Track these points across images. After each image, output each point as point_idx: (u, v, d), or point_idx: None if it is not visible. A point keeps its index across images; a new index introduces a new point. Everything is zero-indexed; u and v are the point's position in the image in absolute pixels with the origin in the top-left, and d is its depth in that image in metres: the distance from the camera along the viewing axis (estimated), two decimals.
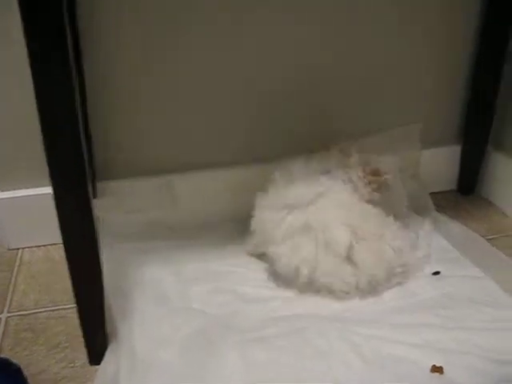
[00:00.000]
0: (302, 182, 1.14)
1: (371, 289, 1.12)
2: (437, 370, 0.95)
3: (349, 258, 1.10)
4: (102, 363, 0.96)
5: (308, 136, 1.34)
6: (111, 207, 1.31)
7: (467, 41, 1.41)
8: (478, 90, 1.45)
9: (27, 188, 1.31)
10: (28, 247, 1.36)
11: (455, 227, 1.38)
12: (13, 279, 1.24)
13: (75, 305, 0.93)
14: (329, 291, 1.11)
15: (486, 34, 1.38)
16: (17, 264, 1.30)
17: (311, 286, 1.11)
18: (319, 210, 1.11)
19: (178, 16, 1.20)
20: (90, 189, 0.86)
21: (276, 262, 1.12)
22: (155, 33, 1.21)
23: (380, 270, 1.12)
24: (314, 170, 1.17)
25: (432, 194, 1.48)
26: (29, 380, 0.93)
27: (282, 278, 1.14)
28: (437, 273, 1.20)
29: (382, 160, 1.21)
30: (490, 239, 1.36)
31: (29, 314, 1.13)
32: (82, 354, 1.01)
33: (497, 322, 1.06)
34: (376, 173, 1.17)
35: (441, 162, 1.53)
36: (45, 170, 0.80)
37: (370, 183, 1.16)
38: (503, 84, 1.42)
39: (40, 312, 1.14)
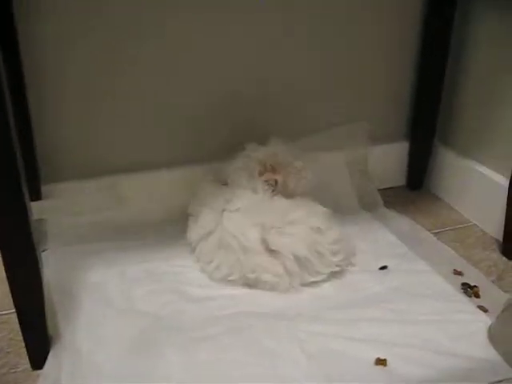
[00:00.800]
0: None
1: (305, 271, 1.13)
2: (381, 362, 0.96)
3: (271, 250, 1.12)
4: (45, 367, 0.94)
5: (253, 136, 1.33)
6: (56, 209, 1.29)
7: (412, 39, 1.44)
8: (423, 88, 1.48)
9: None
10: None
11: (403, 222, 1.40)
12: None
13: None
14: (262, 284, 1.12)
15: (429, 32, 1.41)
16: None
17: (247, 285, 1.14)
18: (230, 219, 1.14)
19: (125, 18, 1.21)
20: (26, 192, 0.84)
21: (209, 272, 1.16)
22: (102, 34, 1.20)
23: (302, 247, 1.12)
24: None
25: (381, 190, 1.50)
26: None
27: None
28: (384, 267, 1.22)
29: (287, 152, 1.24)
30: (437, 233, 1.38)
31: None
32: (24, 359, 0.98)
33: (440, 314, 1.08)
34: (272, 170, 1.21)
35: (390, 159, 1.55)
36: None
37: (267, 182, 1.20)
38: (448, 81, 1.45)
39: None
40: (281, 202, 1.18)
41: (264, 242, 1.11)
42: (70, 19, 1.17)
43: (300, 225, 1.14)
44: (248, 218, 1.13)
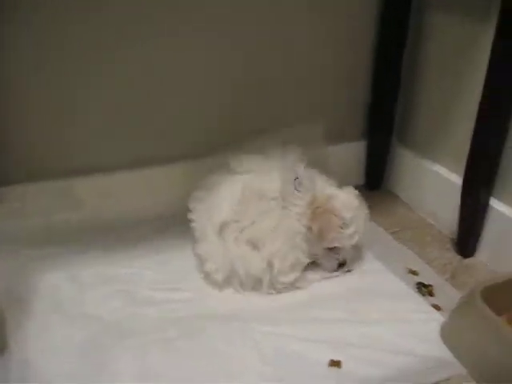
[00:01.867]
0: None
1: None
2: (335, 364, 0.96)
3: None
4: None
5: (217, 134, 1.37)
6: (9, 213, 1.25)
7: (367, 38, 1.45)
8: (380, 87, 1.48)
9: None
10: None
11: None
12: None
13: None
14: None
15: (384, 31, 1.42)
16: None
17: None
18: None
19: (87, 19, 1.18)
20: None
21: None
22: (64, 35, 1.18)
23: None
24: None
25: None
26: None
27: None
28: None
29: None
30: (394, 232, 1.39)
31: None
32: None
33: (395, 313, 1.09)
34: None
35: (348, 158, 1.55)
36: None
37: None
38: (404, 81, 1.47)
39: None
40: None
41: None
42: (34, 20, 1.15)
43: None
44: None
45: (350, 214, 1.16)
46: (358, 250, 1.23)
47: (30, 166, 1.27)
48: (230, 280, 1.13)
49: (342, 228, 1.15)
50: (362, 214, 1.20)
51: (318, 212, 1.15)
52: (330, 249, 1.17)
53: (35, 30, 1.15)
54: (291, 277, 1.14)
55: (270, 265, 1.12)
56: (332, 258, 1.19)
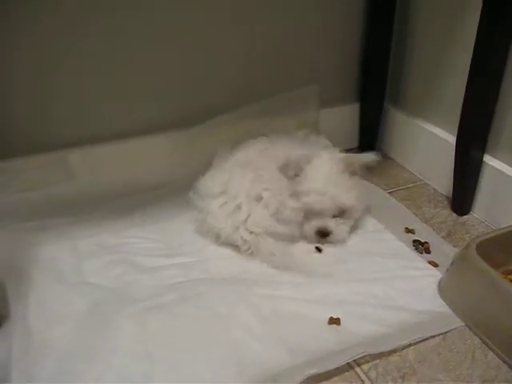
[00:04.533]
0: None
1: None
2: (334, 321, 0.97)
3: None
4: None
5: (213, 103, 1.37)
6: (5, 187, 1.25)
7: (358, 1, 1.43)
8: (372, 50, 1.47)
9: None
10: None
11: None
12: None
13: None
14: None
15: None
16: None
17: None
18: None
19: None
20: None
21: None
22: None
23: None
24: None
25: None
26: None
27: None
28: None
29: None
30: (390, 192, 1.40)
31: None
32: None
33: (392, 271, 1.10)
34: None
35: (342, 121, 1.55)
36: None
37: None
38: (395, 42, 1.45)
39: None
40: None
41: None
42: None
43: None
44: None
45: (320, 174, 1.14)
46: (347, 223, 1.20)
47: (24, 139, 1.26)
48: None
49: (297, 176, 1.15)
50: (342, 181, 1.16)
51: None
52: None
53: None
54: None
55: None
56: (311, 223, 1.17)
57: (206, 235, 1.18)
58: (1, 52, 1.16)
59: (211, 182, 1.19)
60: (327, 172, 1.15)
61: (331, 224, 1.16)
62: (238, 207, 1.13)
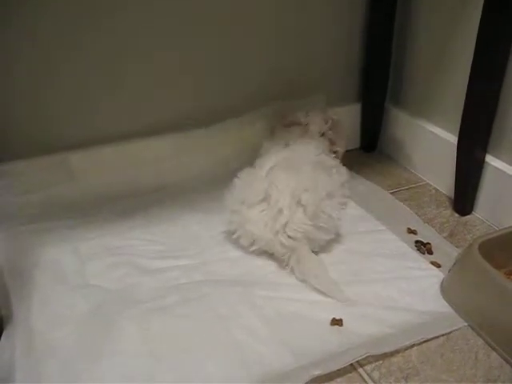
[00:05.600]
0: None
1: None
2: (336, 322, 0.97)
3: None
4: None
5: (212, 103, 1.38)
6: (7, 189, 1.25)
7: (360, 1, 1.43)
8: (373, 50, 1.47)
9: None
10: None
11: (359, 184, 1.41)
12: None
13: None
14: None
15: None
16: None
17: None
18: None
19: None
20: None
21: None
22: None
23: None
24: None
25: None
26: None
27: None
28: None
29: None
30: (392, 193, 1.39)
31: None
32: None
33: (394, 271, 1.10)
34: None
35: (343, 122, 1.55)
36: None
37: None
38: (397, 42, 1.46)
39: None
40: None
41: None
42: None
43: None
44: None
45: None
46: None
47: (25, 141, 1.26)
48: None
49: None
50: None
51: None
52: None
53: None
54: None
55: None
56: None
57: (236, 240, 1.15)
58: (1, 54, 1.16)
59: (249, 189, 1.14)
60: None
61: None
62: (280, 212, 1.09)
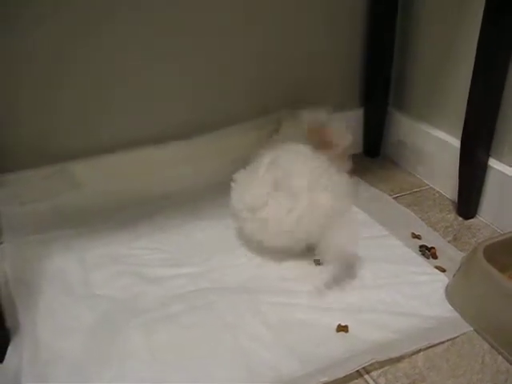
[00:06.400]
0: None
1: None
2: (342, 329, 0.97)
3: None
4: (5, 360, 0.92)
5: (215, 113, 1.38)
6: (9, 200, 1.25)
7: (361, 6, 1.44)
8: (375, 54, 1.48)
9: None
10: None
11: (362, 189, 1.42)
12: None
13: None
14: None
15: None
16: None
17: None
18: None
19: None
20: None
21: None
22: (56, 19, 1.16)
23: None
24: None
25: None
26: None
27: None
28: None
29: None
30: (395, 198, 1.40)
31: None
32: None
33: (399, 276, 1.10)
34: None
35: (346, 126, 1.55)
36: None
37: None
38: (398, 46, 1.46)
39: None
40: None
41: None
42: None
43: None
44: None
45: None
46: None
47: (29, 151, 1.26)
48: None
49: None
50: None
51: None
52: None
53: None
54: None
55: None
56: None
57: (246, 243, 1.16)
58: (5, 64, 1.16)
59: (251, 195, 1.13)
60: None
61: None
62: (290, 211, 1.09)
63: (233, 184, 1.18)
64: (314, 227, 1.08)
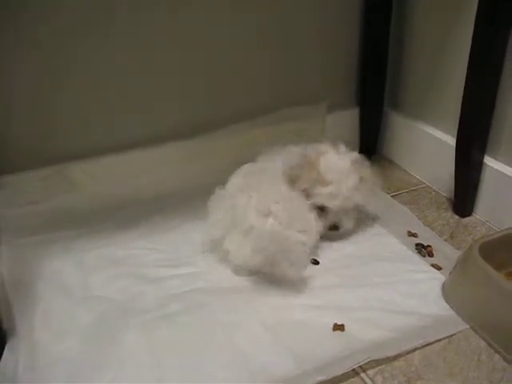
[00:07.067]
0: None
1: None
2: (338, 327, 0.98)
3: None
4: (1, 362, 0.92)
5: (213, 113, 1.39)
6: (10, 201, 1.26)
7: (356, 7, 1.44)
8: (369, 53, 1.48)
9: None
10: None
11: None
12: None
13: None
14: None
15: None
16: None
17: None
18: None
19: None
20: None
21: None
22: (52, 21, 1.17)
23: None
24: None
25: None
26: None
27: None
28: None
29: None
30: (392, 196, 1.40)
31: None
32: None
33: (395, 275, 1.11)
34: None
35: (342, 126, 1.56)
36: None
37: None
38: (393, 46, 1.46)
39: None
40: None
41: None
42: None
43: None
44: None
45: (333, 173, 1.14)
46: (353, 215, 1.21)
47: (26, 153, 1.27)
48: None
49: (318, 182, 1.14)
50: (353, 179, 1.16)
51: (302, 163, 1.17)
52: (320, 210, 1.16)
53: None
54: None
55: None
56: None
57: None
58: (2, 66, 1.17)
59: (219, 215, 1.15)
60: (345, 173, 1.16)
61: (342, 219, 1.19)
62: (248, 231, 1.08)
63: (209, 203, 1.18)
64: (267, 255, 1.04)
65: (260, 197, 1.10)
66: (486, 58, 1.14)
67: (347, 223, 1.21)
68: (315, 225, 1.13)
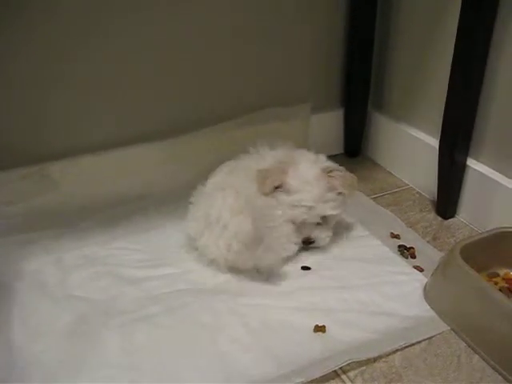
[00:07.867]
0: None
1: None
2: (319, 329, 0.97)
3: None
4: None
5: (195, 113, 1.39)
6: None
7: (340, 8, 1.44)
8: (353, 56, 1.48)
9: None
10: None
11: None
12: None
13: None
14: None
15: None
16: None
17: None
18: None
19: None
20: None
21: None
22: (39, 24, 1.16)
23: None
24: None
25: None
26: None
27: None
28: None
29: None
30: (375, 198, 1.40)
31: None
32: None
33: (377, 276, 1.10)
34: None
35: (327, 127, 1.56)
36: None
37: None
38: (377, 48, 1.47)
39: None
40: None
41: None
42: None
43: None
44: None
45: (299, 182, 1.12)
46: (328, 228, 1.18)
47: (6, 151, 1.25)
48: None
49: (279, 188, 1.13)
50: (320, 189, 1.12)
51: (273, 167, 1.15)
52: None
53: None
54: None
55: None
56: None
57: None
58: None
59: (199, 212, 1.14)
60: (312, 183, 1.12)
61: (315, 233, 1.16)
62: (225, 227, 1.07)
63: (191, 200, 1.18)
64: (243, 251, 1.05)
65: (235, 194, 1.10)
66: (470, 61, 1.14)
67: (322, 240, 1.17)
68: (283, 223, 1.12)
